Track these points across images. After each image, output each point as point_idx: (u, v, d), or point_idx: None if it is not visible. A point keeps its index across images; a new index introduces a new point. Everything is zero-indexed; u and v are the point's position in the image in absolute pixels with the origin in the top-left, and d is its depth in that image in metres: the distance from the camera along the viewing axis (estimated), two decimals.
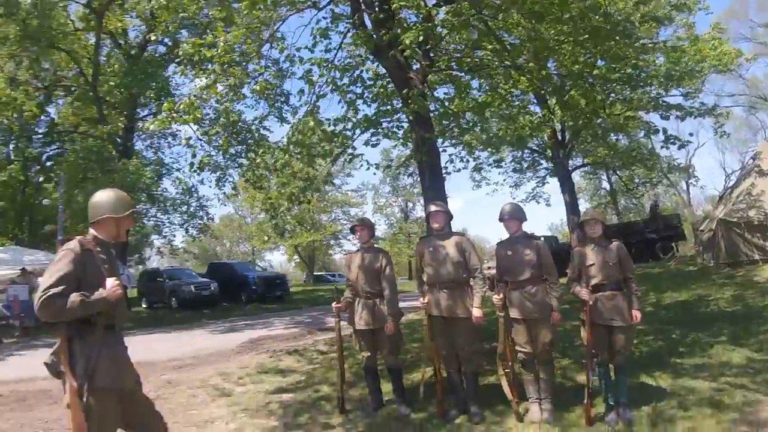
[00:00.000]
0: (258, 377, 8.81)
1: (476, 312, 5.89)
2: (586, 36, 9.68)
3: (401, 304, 6.91)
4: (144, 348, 11.65)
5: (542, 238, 6.62)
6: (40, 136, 31.28)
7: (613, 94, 12.75)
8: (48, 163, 31.94)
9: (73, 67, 27.61)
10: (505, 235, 6.21)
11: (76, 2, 25.18)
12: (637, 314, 5.67)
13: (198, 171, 10.81)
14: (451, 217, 6.54)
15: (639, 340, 8.68)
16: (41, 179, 31.78)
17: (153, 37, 19.16)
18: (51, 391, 8.22)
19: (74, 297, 3.37)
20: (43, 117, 30.57)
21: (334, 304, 6.70)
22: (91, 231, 3.77)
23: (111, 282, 3.54)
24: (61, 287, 3.36)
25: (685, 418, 5.37)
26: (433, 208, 6.45)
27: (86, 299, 3.40)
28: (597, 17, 9.60)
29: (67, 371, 3.42)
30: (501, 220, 6.13)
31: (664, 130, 10.76)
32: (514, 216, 6.06)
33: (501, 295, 5.93)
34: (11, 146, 30.68)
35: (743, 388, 6.10)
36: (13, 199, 30.26)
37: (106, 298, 3.48)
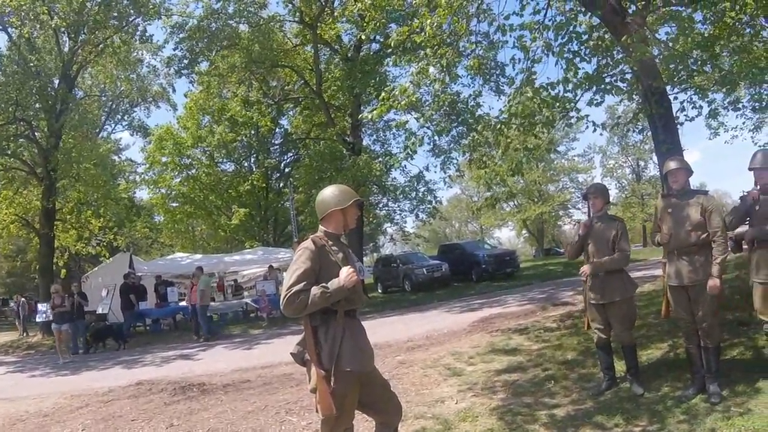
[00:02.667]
0: (488, 356, 8.85)
1: (711, 281, 5.35)
2: None
3: (636, 274, 6.55)
4: (380, 331, 12.25)
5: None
6: (277, 146, 34.58)
7: None
8: (286, 170, 35.06)
9: (298, 80, 29.77)
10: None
11: (290, 21, 26.92)
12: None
13: (411, 154, 11.05)
14: (691, 173, 5.97)
15: None
16: (281, 185, 34.93)
17: (364, 37, 19.94)
18: (293, 374, 8.92)
19: (315, 290, 3.64)
20: (277, 129, 33.89)
21: (582, 269, 6.36)
22: (321, 227, 4.05)
23: (345, 270, 3.77)
24: (303, 283, 3.65)
25: None
26: (672, 165, 5.86)
27: (326, 290, 3.65)
28: None
29: (314, 358, 3.71)
30: (751, 168, 5.52)
31: None
32: (762, 164, 5.41)
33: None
34: (252, 159, 34.19)
35: None
36: (258, 205, 34.22)
37: (344, 286, 3.70)
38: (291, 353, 3.96)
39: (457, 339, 10.90)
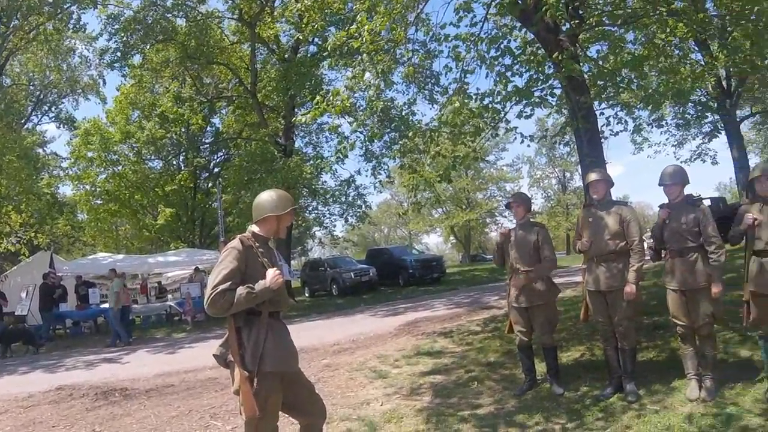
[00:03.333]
0: (413, 359, 8.95)
1: (627, 287, 5.61)
2: None
3: (558, 280, 6.80)
4: (306, 334, 12.22)
5: (707, 201, 6.14)
6: (207, 145, 33.99)
7: None
8: (215, 170, 34.45)
9: (232, 78, 29.40)
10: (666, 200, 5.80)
11: (229, 18, 26.62)
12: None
13: (341, 158, 11.08)
14: (611, 184, 6.25)
15: None
16: (210, 185, 34.36)
17: (303, 38, 19.91)
18: (218, 379, 8.82)
19: (241, 290, 3.62)
20: (208, 128, 33.25)
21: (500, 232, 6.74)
22: (251, 228, 4.04)
23: (271, 272, 3.76)
24: (228, 283, 3.62)
25: None
26: (593, 176, 6.14)
27: (252, 291, 3.64)
28: None
29: (237, 360, 3.68)
30: (661, 184, 5.72)
31: None
32: (675, 180, 5.62)
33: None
34: (181, 158, 33.45)
35: None
36: (184, 205, 33.39)
37: (269, 287, 3.70)
38: (214, 354, 3.92)
39: (383, 342, 10.96)
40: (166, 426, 6.62)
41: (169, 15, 24.37)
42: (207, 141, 34.67)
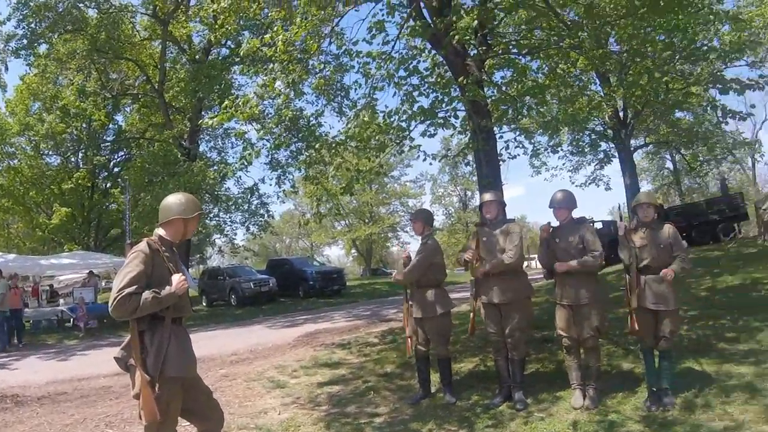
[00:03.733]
0: (311, 370, 9.04)
1: (480, 270, 6.24)
2: (644, 9, 9.58)
3: (454, 296, 7.12)
4: (204, 344, 12.11)
5: (599, 224, 6.60)
6: (108, 143, 32.58)
7: (671, 72, 12.47)
8: (115, 169, 33.15)
9: (140, 75, 28.52)
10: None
11: (143, 13, 25.99)
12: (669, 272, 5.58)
13: (246, 164, 11.09)
14: (504, 205, 6.67)
15: (689, 325, 8.66)
16: (109, 185, 32.99)
17: (215, 40, 19.72)
18: (112, 387, 8.70)
19: (147, 294, 3.63)
20: (110, 125, 31.84)
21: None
22: (158, 231, 4.05)
23: (177, 277, 3.81)
24: (134, 286, 3.62)
25: (724, 403, 5.37)
26: (487, 197, 6.54)
27: (158, 295, 3.66)
28: None
29: (139, 363, 3.68)
30: (551, 207, 6.14)
31: (723, 107, 10.51)
32: (563, 205, 6.06)
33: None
34: (80, 155, 32.01)
35: None
36: (81, 205, 31.78)
37: (175, 293, 3.74)
38: (115, 357, 3.90)
39: (282, 353, 11.01)
40: None
41: (81, 5, 23.59)
42: (108, 139, 33.26)
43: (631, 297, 5.75)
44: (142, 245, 3.85)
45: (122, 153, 34.06)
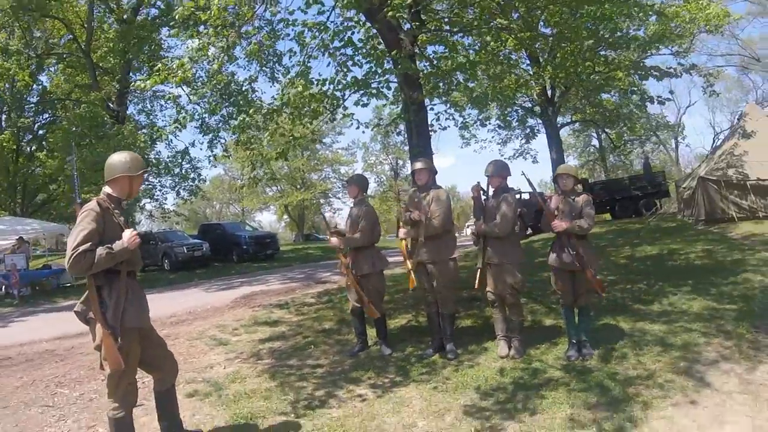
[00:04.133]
0: (252, 328, 9.29)
1: (401, 232, 6.87)
2: None
3: (390, 259, 7.56)
4: None
5: (526, 195, 7.13)
6: (32, 105, 31.27)
7: (594, 58, 13.01)
8: (40, 132, 32.00)
9: (65, 34, 27.53)
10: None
11: None
12: (564, 224, 6.13)
13: (179, 128, 11.11)
14: (435, 172, 7.05)
15: (608, 288, 9.30)
16: (34, 148, 31.81)
17: (146, 0, 19.31)
18: (55, 350, 8.74)
19: (101, 250, 3.84)
20: (35, 86, 30.53)
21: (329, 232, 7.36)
22: (105, 189, 4.21)
23: (128, 232, 4.01)
24: (88, 243, 3.82)
25: (637, 355, 5.99)
26: (417, 165, 6.99)
27: (111, 251, 3.87)
28: None
29: (99, 317, 3.89)
30: (486, 175, 6.60)
31: (643, 92, 11.11)
32: (495, 173, 6.53)
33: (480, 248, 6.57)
34: (3, 117, 30.70)
35: (694, 331, 6.69)
36: (5, 170, 30.30)
37: (127, 247, 3.95)
38: (75, 311, 4.09)
39: (221, 314, 11.16)
40: (12, 396, 6.52)
41: None
42: (32, 100, 31.80)
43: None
44: (92, 204, 4.02)
45: (47, 115, 32.64)
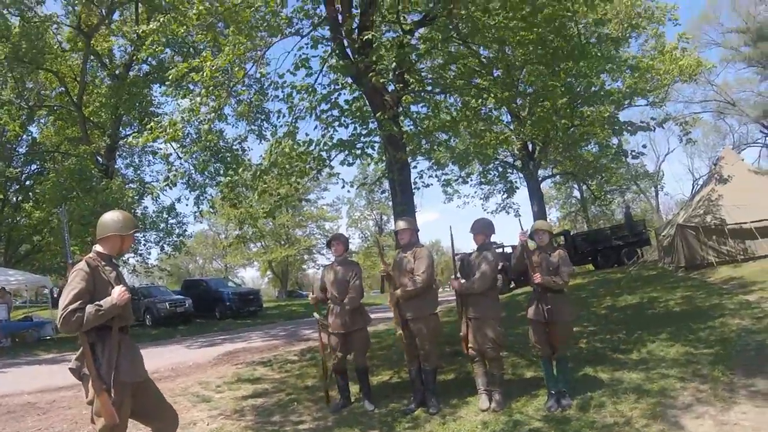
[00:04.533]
0: (235, 385, 9.29)
1: (398, 292, 6.76)
2: (548, 56, 10.45)
3: (372, 315, 7.66)
4: None
5: (509, 248, 7.36)
6: (21, 155, 31.17)
7: (570, 114, 13.36)
8: (27, 183, 31.83)
9: (57, 87, 27.70)
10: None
11: (67, 26, 25.43)
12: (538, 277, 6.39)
13: (170, 186, 11.24)
14: (416, 231, 7.22)
15: (588, 338, 9.47)
16: (20, 198, 31.61)
17: (139, 59, 19.55)
18: (37, 403, 8.67)
19: (90, 308, 3.93)
20: (24, 136, 30.51)
21: (310, 297, 7.59)
22: (96, 248, 4.34)
23: (118, 289, 4.09)
24: (78, 302, 3.92)
25: (615, 403, 6.10)
26: (400, 225, 7.21)
27: (100, 308, 3.95)
28: (556, 40, 10.37)
29: (93, 373, 3.97)
30: (471, 232, 6.88)
31: (619, 146, 11.41)
32: (477, 231, 6.81)
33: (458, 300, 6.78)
34: None
35: (670, 377, 6.86)
36: None
37: (116, 304, 4.03)
38: (70, 368, 4.17)
39: (203, 371, 11.15)
40: None
41: (6, 11, 22.89)
42: (21, 150, 31.64)
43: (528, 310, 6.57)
44: (81, 264, 4.13)
45: (35, 166, 32.29)
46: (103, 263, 4.24)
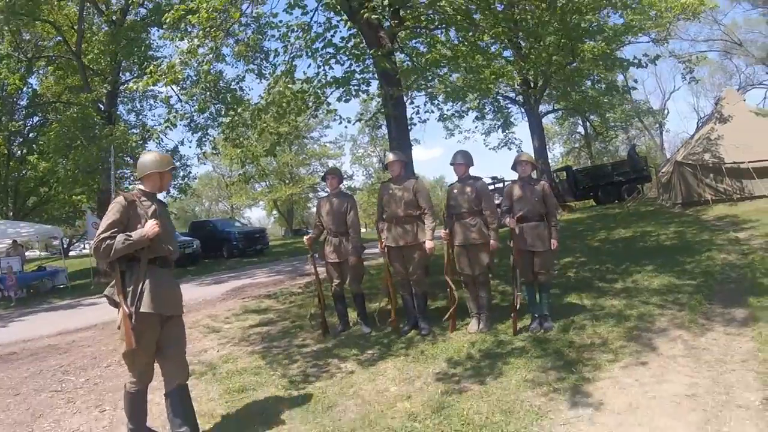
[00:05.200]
0: (242, 316, 9.80)
1: (428, 243, 6.99)
2: None
3: (374, 249, 8.07)
4: None
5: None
6: (22, 108, 31.11)
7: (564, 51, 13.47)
8: (31, 135, 31.85)
9: (55, 37, 27.58)
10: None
11: None
12: (554, 242, 6.85)
13: (171, 127, 11.52)
14: (406, 163, 7.57)
15: (577, 269, 9.93)
16: (24, 151, 31.73)
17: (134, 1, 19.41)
18: (58, 345, 9.12)
19: (120, 237, 4.27)
20: (25, 89, 30.39)
21: (305, 238, 7.99)
22: (138, 186, 4.68)
23: (150, 222, 4.39)
24: (110, 231, 4.28)
25: (594, 326, 6.60)
26: (390, 157, 7.51)
27: (129, 238, 4.29)
28: None
29: (121, 299, 4.31)
30: (451, 164, 7.19)
31: (611, 83, 11.59)
32: (459, 161, 7.10)
33: (447, 230, 7.12)
34: None
35: (650, 304, 7.35)
36: None
37: (146, 236, 4.34)
38: (105, 294, 4.50)
39: (212, 306, 11.60)
40: (21, 385, 6.89)
41: None
42: (22, 103, 31.34)
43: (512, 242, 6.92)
44: (119, 198, 4.48)
45: (38, 118, 32.40)
46: (142, 198, 4.55)
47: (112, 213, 4.38)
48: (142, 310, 4.31)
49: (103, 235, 4.27)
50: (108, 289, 4.48)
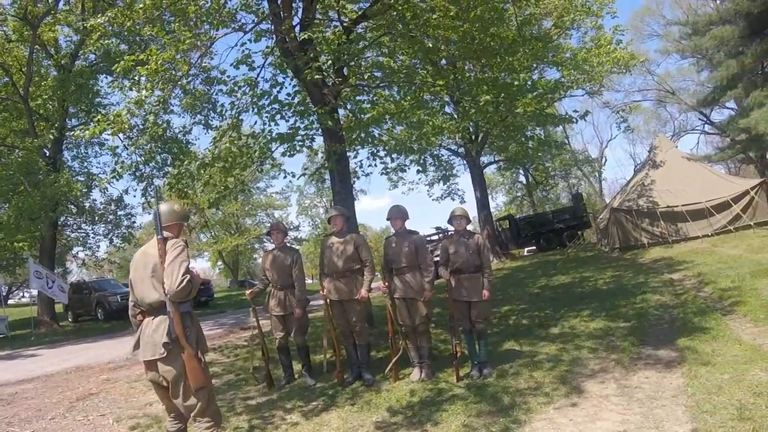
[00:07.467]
0: None
1: (363, 292, 7.25)
2: (477, 52, 11.05)
3: (320, 300, 8.23)
4: (79, 354, 12.49)
5: (433, 230, 8.00)
6: None
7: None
8: None
9: (2, 78, 27.18)
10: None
11: (12, 16, 24.93)
12: (485, 293, 7.08)
13: (117, 178, 11.54)
14: (347, 218, 7.77)
15: (517, 316, 10.23)
16: None
17: (84, 50, 19.23)
18: (0, 396, 8.91)
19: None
20: None
21: (246, 292, 8.08)
22: (165, 234, 4.56)
23: (197, 268, 4.53)
24: (189, 274, 4.30)
25: (531, 371, 6.89)
26: (332, 212, 7.78)
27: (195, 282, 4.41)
28: (480, 37, 10.98)
29: (184, 341, 4.28)
30: (388, 218, 7.44)
31: (538, 138, 12.08)
32: (395, 216, 7.35)
33: (386, 283, 7.37)
34: None
35: (584, 348, 7.69)
36: None
37: (198, 281, 4.45)
38: (163, 343, 4.26)
39: None
40: None
41: None
42: None
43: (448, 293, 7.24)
44: (181, 241, 4.53)
45: None
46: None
47: (185, 255, 4.40)
48: (202, 350, 4.48)
49: (187, 276, 4.25)
50: (165, 336, 4.31)
